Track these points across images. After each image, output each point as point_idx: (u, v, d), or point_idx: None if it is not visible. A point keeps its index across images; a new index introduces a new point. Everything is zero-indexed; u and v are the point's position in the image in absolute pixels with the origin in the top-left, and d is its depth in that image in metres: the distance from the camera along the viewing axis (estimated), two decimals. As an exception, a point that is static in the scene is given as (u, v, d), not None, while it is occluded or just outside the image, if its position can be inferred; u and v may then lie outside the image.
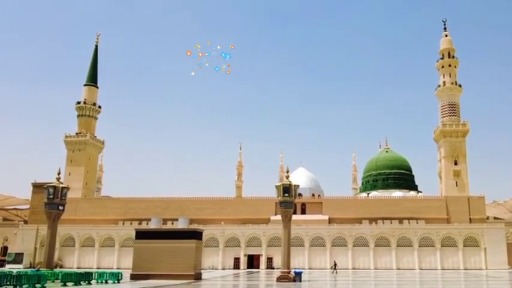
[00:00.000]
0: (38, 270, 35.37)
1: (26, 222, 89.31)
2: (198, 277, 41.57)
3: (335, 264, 60.26)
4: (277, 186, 41.12)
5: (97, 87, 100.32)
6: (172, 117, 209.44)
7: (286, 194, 39.68)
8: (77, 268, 70.09)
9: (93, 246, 75.83)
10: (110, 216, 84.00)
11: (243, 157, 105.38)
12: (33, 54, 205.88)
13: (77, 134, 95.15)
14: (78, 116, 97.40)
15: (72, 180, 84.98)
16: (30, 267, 72.21)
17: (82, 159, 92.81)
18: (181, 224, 44.50)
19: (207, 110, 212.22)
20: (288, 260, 39.01)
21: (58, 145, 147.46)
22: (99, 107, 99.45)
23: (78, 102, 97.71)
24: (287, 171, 42.35)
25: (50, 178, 71.05)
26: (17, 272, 30.40)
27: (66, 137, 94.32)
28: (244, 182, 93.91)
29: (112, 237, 75.84)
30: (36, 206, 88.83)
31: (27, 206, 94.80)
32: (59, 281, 32.95)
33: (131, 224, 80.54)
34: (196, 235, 43.18)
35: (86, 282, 31.95)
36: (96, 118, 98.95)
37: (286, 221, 39.84)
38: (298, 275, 39.07)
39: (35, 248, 77.27)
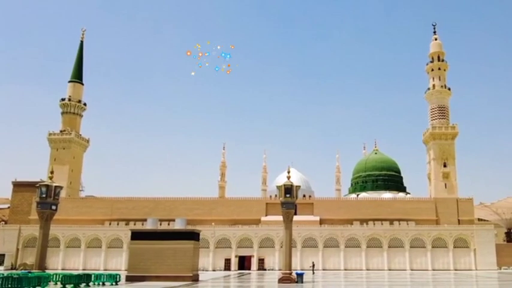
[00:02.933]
0: (29, 272, 33.71)
1: (5, 222, 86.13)
2: (195, 279, 40.69)
3: (313, 265, 60.86)
4: (278, 187, 40.39)
5: (82, 84, 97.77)
6: (159, 116, 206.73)
7: (288, 195, 39.05)
8: (62, 269, 67.78)
9: (79, 247, 73.47)
10: (95, 217, 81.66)
11: (228, 158, 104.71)
12: (15, 49, 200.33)
13: (61, 131, 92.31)
14: (63, 113, 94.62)
15: (56, 179, 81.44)
16: (12, 268, 69.56)
17: (66, 157, 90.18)
18: (178, 225, 43.40)
19: (194, 110, 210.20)
20: (290, 261, 38.33)
21: (40, 143, 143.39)
22: (85, 104, 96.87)
23: (63, 99, 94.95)
24: (288, 172, 41.70)
25: (31, 177, 69.05)
26: (8, 274, 28.81)
27: (50, 134, 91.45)
28: (231, 183, 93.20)
29: (99, 238, 73.67)
30: (17, 206, 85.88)
31: (7, 206, 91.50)
32: (53, 283, 31.48)
33: (118, 224, 78.56)
34: (194, 236, 42.24)
35: (85, 284, 30.58)
36: (81, 116, 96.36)
37: (288, 222, 39.19)
38: (300, 276, 38.50)
39: (17, 249, 74.34)
